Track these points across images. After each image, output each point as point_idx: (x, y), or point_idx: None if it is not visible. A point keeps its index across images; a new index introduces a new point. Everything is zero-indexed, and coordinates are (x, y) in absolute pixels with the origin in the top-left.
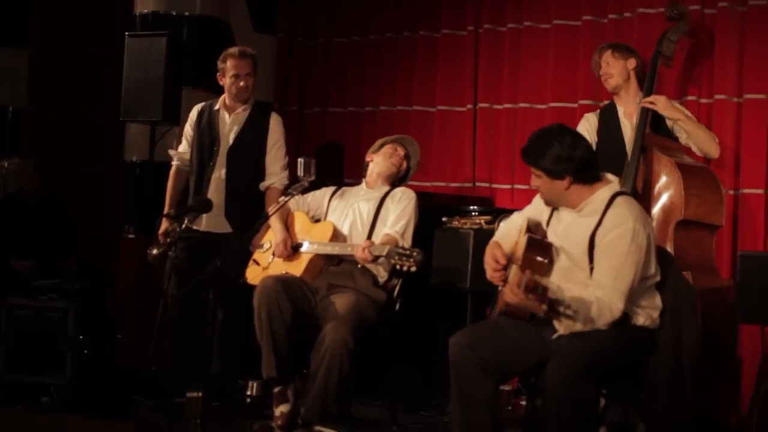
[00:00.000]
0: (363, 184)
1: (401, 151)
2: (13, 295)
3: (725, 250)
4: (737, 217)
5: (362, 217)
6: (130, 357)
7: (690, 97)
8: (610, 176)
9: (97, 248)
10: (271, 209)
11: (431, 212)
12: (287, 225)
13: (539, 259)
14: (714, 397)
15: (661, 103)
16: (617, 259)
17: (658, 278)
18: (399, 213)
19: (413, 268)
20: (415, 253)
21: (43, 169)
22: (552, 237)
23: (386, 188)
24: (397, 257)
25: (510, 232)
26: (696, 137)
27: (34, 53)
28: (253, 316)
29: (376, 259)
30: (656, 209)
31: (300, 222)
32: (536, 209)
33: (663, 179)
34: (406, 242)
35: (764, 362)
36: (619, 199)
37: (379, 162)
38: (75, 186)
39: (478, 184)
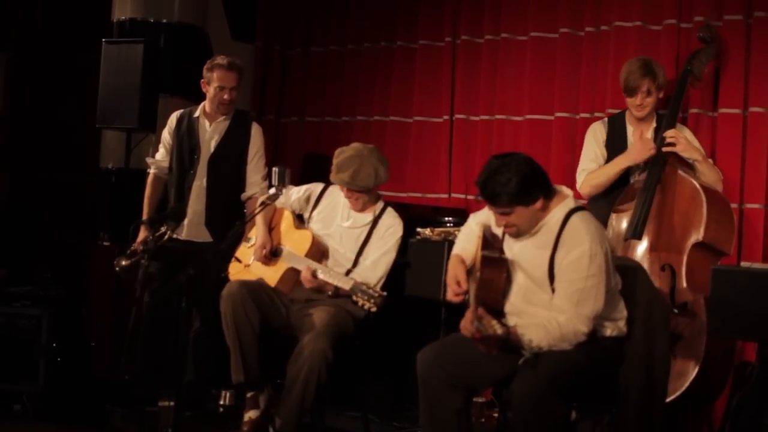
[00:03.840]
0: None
1: (352, 194)
2: None
3: None
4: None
5: (345, 248)
6: (104, 365)
7: (693, 110)
8: (565, 190)
9: (71, 255)
10: (247, 218)
11: (406, 224)
12: (274, 222)
13: (495, 277)
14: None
15: (681, 145)
16: (577, 283)
17: (619, 287)
18: (380, 255)
19: (373, 309)
20: (376, 295)
21: (18, 174)
22: (509, 253)
23: (370, 215)
24: (359, 294)
25: (471, 240)
26: (706, 176)
27: (12, 58)
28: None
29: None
30: (673, 226)
31: (285, 223)
32: (492, 217)
33: (686, 199)
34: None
35: (737, 375)
36: (574, 218)
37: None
38: (50, 192)
39: (453, 195)
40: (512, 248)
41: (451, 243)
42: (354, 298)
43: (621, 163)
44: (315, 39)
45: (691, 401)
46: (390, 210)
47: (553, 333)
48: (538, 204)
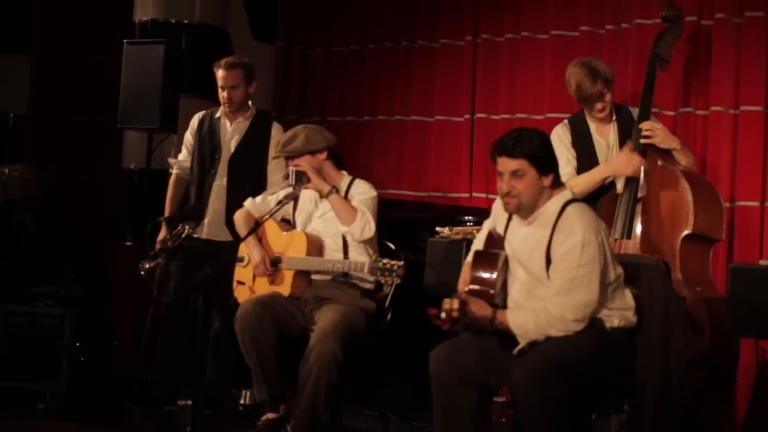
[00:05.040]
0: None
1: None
2: (9, 301)
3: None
4: (733, 229)
5: (330, 237)
6: (126, 364)
7: (686, 109)
8: (565, 183)
9: (94, 255)
10: (264, 217)
11: (427, 222)
12: (259, 234)
13: (485, 273)
14: (707, 408)
15: (659, 137)
16: (569, 273)
17: (621, 277)
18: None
19: (397, 281)
20: (396, 267)
21: (43, 175)
22: (509, 249)
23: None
24: (379, 273)
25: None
26: (684, 162)
27: (35, 60)
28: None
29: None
30: (661, 220)
31: (270, 231)
32: (496, 218)
33: (670, 190)
34: (368, 215)
35: (760, 374)
36: (570, 209)
37: None
38: (73, 192)
39: (474, 194)
40: (512, 244)
41: (470, 242)
42: (376, 277)
43: (604, 171)
44: (336, 39)
45: (701, 395)
46: (357, 180)
47: (540, 318)
48: (548, 181)
